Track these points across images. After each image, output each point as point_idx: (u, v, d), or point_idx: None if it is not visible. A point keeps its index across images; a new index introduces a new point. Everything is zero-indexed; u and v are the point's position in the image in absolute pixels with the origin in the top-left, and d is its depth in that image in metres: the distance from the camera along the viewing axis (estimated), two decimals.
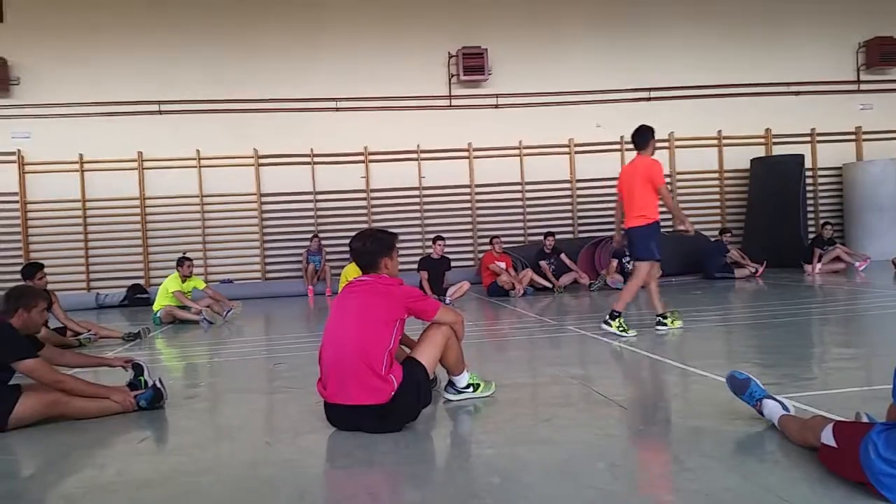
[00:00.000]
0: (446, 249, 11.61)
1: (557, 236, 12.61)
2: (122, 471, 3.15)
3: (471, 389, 4.11)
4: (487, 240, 12.56)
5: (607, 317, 6.41)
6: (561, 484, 2.68)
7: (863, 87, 15.68)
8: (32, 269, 7.71)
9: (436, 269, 11.10)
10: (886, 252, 13.06)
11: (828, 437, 2.55)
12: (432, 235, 12.04)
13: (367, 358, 3.44)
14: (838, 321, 6.96)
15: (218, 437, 3.75)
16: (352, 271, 10.88)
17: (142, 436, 3.81)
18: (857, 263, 12.66)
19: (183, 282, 9.69)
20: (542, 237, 12.50)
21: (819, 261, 12.65)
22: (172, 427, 4.03)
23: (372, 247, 3.79)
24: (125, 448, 3.59)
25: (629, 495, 2.53)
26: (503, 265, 11.59)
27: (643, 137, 6.63)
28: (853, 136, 15.60)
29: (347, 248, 4.68)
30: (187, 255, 10.41)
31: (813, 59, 15.48)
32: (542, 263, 11.87)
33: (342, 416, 3.55)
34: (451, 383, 4.11)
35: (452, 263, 11.78)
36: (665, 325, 6.55)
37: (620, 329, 6.27)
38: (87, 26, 14.01)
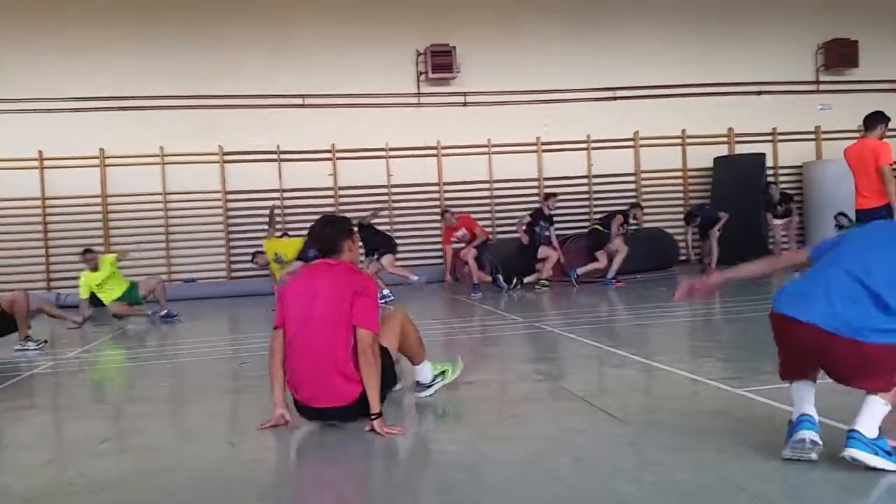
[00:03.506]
0: (414, 248, 11.55)
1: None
2: (83, 472, 3.10)
3: (440, 379, 4.09)
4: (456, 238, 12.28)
5: None
6: (525, 478, 2.70)
7: (822, 87, 16.03)
8: None
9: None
10: None
11: None
12: (401, 233, 12.00)
13: (338, 363, 3.42)
14: None
15: (181, 437, 3.71)
16: (279, 245, 10.83)
17: (104, 436, 3.75)
18: None
19: (95, 271, 9.82)
20: (543, 199, 12.14)
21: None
22: (135, 428, 3.97)
23: (333, 230, 3.71)
24: (86, 449, 3.52)
25: (592, 488, 2.57)
26: (464, 232, 11.34)
27: (874, 120, 6.90)
28: (813, 136, 15.92)
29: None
30: (91, 248, 10.62)
31: (774, 60, 15.77)
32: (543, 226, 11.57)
33: (312, 415, 3.56)
34: (418, 384, 4.07)
35: (421, 262, 11.73)
36: None
37: None
38: (47, 20, 13.68)
